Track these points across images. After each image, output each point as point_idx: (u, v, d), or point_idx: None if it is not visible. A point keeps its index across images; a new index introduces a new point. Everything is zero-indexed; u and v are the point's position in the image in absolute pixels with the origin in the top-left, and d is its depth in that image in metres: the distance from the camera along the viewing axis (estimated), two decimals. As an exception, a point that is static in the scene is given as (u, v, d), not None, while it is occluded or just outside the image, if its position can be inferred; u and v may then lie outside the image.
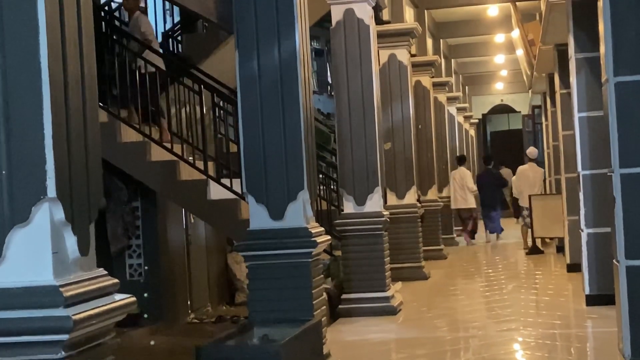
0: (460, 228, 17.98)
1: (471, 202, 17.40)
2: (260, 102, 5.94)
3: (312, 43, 19.65)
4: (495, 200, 17.51)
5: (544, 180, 16.35)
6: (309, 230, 5.94)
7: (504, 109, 33.16)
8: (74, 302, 2.71)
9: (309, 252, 5.92)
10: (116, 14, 10.19)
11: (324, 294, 6.45)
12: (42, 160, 2.73)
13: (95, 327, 2.79)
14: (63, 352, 2.66)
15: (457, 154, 18.81)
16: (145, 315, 9.14)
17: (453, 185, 17.40)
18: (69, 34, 2.87)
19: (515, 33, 16.66)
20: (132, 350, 8.28)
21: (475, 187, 17.40)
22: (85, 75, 2.95)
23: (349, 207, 8.97)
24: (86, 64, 2.96)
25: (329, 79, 20.57)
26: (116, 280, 3.00)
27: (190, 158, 9.00)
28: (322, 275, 6.36)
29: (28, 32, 2.74)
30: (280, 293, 5.89)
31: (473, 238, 17.71)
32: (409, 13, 15.65)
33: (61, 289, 2.68)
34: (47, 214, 2.73)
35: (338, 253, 9.45)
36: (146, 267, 9.50)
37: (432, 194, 14.70)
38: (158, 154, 8.89)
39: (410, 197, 11.73)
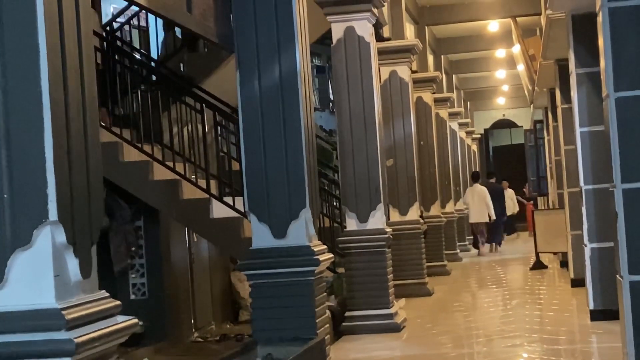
0: (471, 238, 19.51)
1: (486, 217, 18.74)
2: (261, 121, 5.96)
3: (314, 60, 19.76)
4: (498, 212, 18.95)
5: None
6: (312, 248, 5.94)
7: (505, 124, 33.15)
8: (76, 324, 2.71)
9: (312, 270, 5.91)
10: (117, 33, 10.22)
11: (328, 311, 6.44)
12: (44, 184, 2.75)
13: (97, 349, 2.79)
14: (65, 375, 2.66)
15: (473, 170, 20.34)
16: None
17: (472, 200, 18.75)
18: (69, 57, 2.88)
19: (516, 48, 16.68)
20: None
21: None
22: (86, 97, 2.98)
23: (351, 224, 8.95)
24: (87, 87, 2.98)
25: (331, 96, 20.59)
26: (118, 302, 3.00)
27: (192, 177, 8.99)
28: (325, 293, 6.35)
29: (29, 56, 2.76)
30: (283, 311, 5.88)
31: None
32: (409, 30, 15.68)
33: (63, 312, 2.68)
34: (48, 237, 2.74)
35: (341, 270, 9.42)
36: (149, 287, 9.48)
37: (435, 209, 14.69)
38: (160, 173, 8.90)
39: (413, 213, 11.72)
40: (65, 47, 2.85)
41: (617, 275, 4.55)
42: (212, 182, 9.00)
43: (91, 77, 3.03)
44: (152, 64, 10.30)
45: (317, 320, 5.89)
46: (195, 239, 10.28)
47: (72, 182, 2.86)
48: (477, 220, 18.82)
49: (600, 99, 5.60)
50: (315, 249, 5.97)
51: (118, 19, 10.85)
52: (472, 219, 18.94)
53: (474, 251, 19.57)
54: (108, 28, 9.90)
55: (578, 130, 8.49)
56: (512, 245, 20.93)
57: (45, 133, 2.76)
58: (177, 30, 11.13)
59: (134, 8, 10.67)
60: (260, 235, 5.97)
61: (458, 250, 17.66)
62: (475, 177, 19.39)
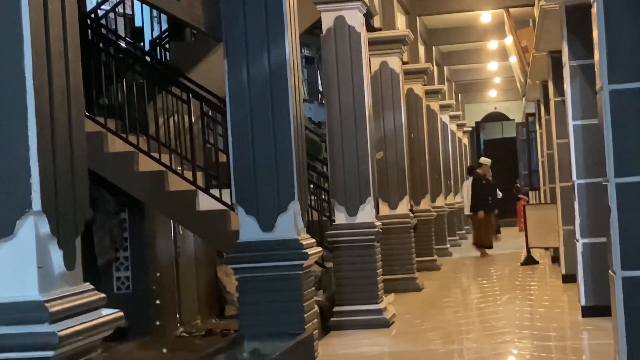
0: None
1: None
2: (249, 112, 5.93)
3: (303, 50, 19.65)
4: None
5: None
6: (300, 241, 5.92)
7: (497, 117, 33.11)
8: (59, 317, 2.70)
9: (300, 264, 5.88)
10: (102, 21, 10.08)
11: (316, 306, 6.44)
12: (27, 173, 2.72)
13: (81, 343, 2.77)
14: (49, 369, 2.63)
15: (468, 165, 20.48)
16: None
17: (467, 194, 18.85)
18: (54, 44, 2.85)
19: (509, 40, 16.61)
20: (119, 365, 8.20)
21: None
22: (71, 86, 2.94)
23: (340, 217, 8.89)
24: (72, 75, 2.96)
25: (320, 87, 20.50)
26: (103, 295, 2.99)
27: (178, 168, 8.91)
28: (313, 288, 6.38)
29: (12, 43, 2.73)
30: (270, 306, 5.86)
31: None
32: (400, 20, 15.58)
33: (47, 305, 2.67)
34: (32, 228, 2.72)
35: (330, 265, 9.36)
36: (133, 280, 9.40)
37: (425, 203, 14.62)
38: (146, 164, 8.81)
39: (403, 207, 11.64)
40: (49, 33, 2.82)
41: (610, 271, 4.49)
42: (199, 174, 8.94)
43: (76, 64, 2.99)
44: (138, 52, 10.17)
45: (305, 316, 5.88)
46: (181, 232, 10.23)
47: (57, 172, 2.83)
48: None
49: (593, 92, 5.56)
50: (304, 243, 5.95)
51: (103, 7, 10.69)
52: (466, 211, 19.08)
53: (464, 245, 19.54)
54: (92, 15, 9.74)
55: (571, 123, 8.44)
56: (503, 241, 20.97)
57: (28, 121, 2.72)
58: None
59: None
60: (247, 228, 5.95)
61: (448, 245, 17.61)
62: (470, 171, 19.51)
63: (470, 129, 29.89)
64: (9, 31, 2.71)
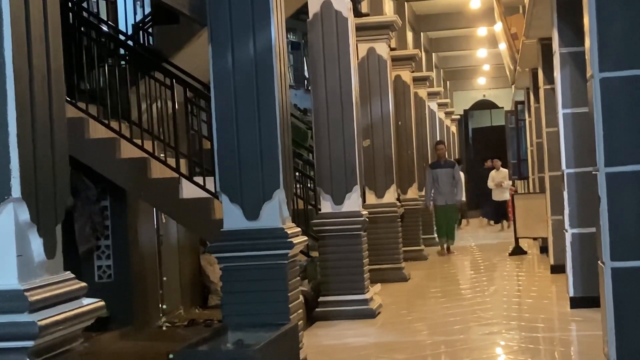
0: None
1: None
2: (234, 98, 5.86)
3: (289, 36, 19.50)
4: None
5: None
6: (285, 230, 5.87)
7: (486, 105, 33.04)
8: (39, 307, 2.67)
9: (285, 253, 5.84)
10: (84, 4, 9.90)
11: (301, 296, 6.36)
12: (6, 159, 2.69)
13: (62, 333, 2.75)
14: (28, 360, 2.61)
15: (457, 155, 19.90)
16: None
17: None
18: (34, 27, 2.80)
19: (498, 26, 16.51)
20: (100, 355, 8.17)
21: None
22: (51, 70, 2.89)
23: (326, 206, 8.83)
24: (53, 59, 2.94)
25: (306, 73, 20.38)
26: (84, 284, 2.95)
27: (161, 155, 8.83)
28: (298, 277, 6.28)
29: None
30: (255, 296, 5.82)
31: None
32: (388, 5, 15.39)
33: (26, 294, 2.64)
34: (11, 215, 2.69)
35: (315, 254, 9.30)
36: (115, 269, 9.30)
37: (412, 192, 14.57)
38: (128, 150, 8.74)
39: (390, 196, 11.58)
40: (29, 15, 2.76)
41: (599, 262, 4.54)
42: (182, 161, 8.86)
43: (57, 47, 2.94)
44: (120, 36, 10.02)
45: (290, 306, 5.84)
46: (164, 220, 10.23)
47: (37, 158, 2.79)
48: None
49: (584, 80, 5.51)
50: (289, 232, 5.90)
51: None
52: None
53: None
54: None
55: (561, 111, 8.41)
56: (491, 231, 21.07)
57: (8, 106, 2.68)
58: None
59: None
60: (231, 217, 5.89)
61: (435, 235, 17.51)
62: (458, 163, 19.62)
63: (458, 117, 29.85)
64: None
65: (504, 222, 21.00)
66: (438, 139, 17.92)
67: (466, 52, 25.76)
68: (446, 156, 15.51)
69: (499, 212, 21.35)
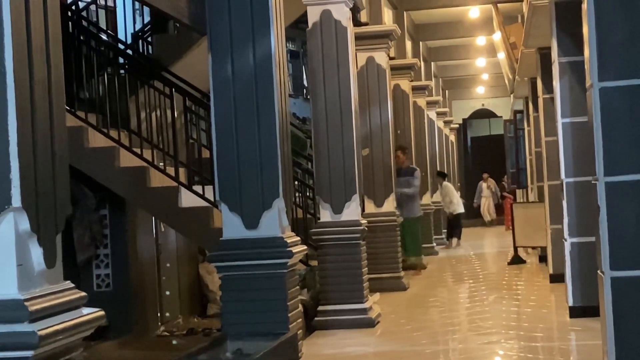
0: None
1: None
2: (234, 107, 5.87)
3: (288, 44, 19.48)
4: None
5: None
6: (285, 239, 5.87)
7: (485, 114, 33.06)
8: (39, 316, 2.67)
9: (285, 262, 5.85)
10: (84, 13, 9.92)
11: (300, 305, 6.38)
12: (7, 169, 2.69)
13: (61, 342, 2.75)
14: (28, 369, 2.61)
15: (437, 169, 19.79)
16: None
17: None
18: (35, 37, 2.81)
19: (497, 36, 16.55)
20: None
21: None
22: (52, 79, 2.91)
23: (325, 215, 8.81)
24: (53, 68, 2.94)
25: (305, 82, 20.39)
26: (84, 294, 2.96)
27: (160, 164, 8.83)
28: (297, 287, 6.30)
29: None
30: (254, 305, 5.82)
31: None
32: (387, 15, 15.47)
33: (26, 303, 2.64)
34: (11, 225, 2.69)
35: (314, 263, 9.28)
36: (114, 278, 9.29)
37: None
38: (127, 159, 8.75)
39: (389, 205, 11.55)
40: (30, 25, 2.77)
41: (598, 271, 4.50)
42: (181, 170, 8.86)
43: (57, 57, 2.95)
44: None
45: (289, 315, 5.84)
46: (163, 229, 10.21)
47: (37, 168, 2.80)
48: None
49: (583, 89, 5.51)
50: (288, 241, 5.90)
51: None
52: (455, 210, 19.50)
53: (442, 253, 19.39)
54: (73, 7, 9.58)
55: (560, 121, 8.41)
56: (490, 240, 21.02)
57: (9, 115, 2.68)
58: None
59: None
60: (231, 226, 5.90)
61: (434, 244, 17.53)
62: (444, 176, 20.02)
63: (457, 126, 29.85)
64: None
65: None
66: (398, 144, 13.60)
67: (465, 62, 25.78)
68: (407, 163, 13.28)
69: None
